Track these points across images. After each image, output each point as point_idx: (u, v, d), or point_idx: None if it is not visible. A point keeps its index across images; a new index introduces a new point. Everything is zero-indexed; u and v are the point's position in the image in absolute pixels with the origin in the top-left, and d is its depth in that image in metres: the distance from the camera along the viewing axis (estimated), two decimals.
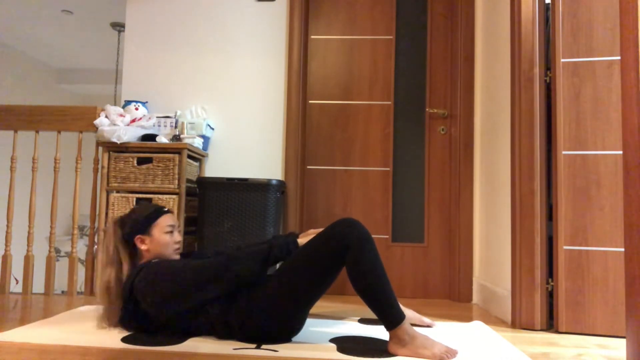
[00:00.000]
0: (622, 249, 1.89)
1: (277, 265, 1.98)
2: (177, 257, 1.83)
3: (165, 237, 1.77)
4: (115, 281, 1.70)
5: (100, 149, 2.61)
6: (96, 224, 2.59)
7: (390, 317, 1.51)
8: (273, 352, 1.52)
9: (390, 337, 1.53)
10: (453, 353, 1.51)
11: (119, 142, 2.46)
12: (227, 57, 2.91)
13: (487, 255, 2.55)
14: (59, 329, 1.76)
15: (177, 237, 1.82)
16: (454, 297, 2.74)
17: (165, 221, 1.79)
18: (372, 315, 2.22)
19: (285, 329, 1.63)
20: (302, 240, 1.66)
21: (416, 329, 1.62)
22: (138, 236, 1.76)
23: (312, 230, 1.75)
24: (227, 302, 1.62)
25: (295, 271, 1.59)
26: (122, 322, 1.70)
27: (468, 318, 2.22)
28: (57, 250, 5.54)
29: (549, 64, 2.08)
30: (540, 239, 2.02)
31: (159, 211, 1.81)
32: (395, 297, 1.54)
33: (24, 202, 3.28)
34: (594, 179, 1.94)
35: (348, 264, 1.54)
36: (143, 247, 1.76)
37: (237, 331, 1.61)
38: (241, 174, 2.82)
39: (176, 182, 2.46)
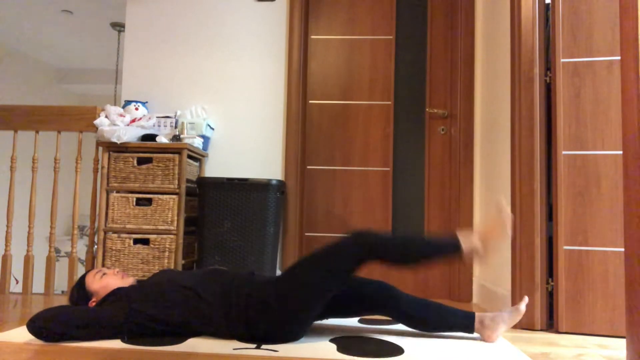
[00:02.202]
0: (622, 249, 1.89)
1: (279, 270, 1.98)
2: (130, 279, 1.85)
3: (102, 282, 1.79)
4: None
5: (100, 149, 2.61)
6: (96, 224, 2.59)
7: (461, 327, 1.73)
8: (273, 352, 1.52)
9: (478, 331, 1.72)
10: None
11: (119, 142, 2.46)
12: (227, 57, 2.91)
13: None
14: None
15: (111, 270, 1.85)
16: (454, 297, 2.74)
17: (91, 276, 1.81)
18: (372, 315, 2.21)
19: (293, 332, 1.64)
20: None
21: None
22: (89, 302, 1.78)
23: None
24: (227, 307, 1.63)
25: (307, 278, 1.61)
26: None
27: None
28: (57, 250, 5.54)
29: (549, 64, 2.08)
30: (540, 239, 2.02)
31: (81, 278, 1.84)
32: (445, 307, 1.73)
33: (24, 202, 3.28)
34: (594, 179, 1.94)
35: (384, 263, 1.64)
36: (98, 300, 1.78)
37: (243, 333, 1.62)
38: (241, 174, 2.82)
39: (176, 182, 2.46)
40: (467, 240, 1.62)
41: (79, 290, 1.79)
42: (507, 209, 1.63)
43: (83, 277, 1.83)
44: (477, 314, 1.73)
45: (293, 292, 1.60)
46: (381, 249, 1.61)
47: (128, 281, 1.83)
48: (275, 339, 1.62)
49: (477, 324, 1.71)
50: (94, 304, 1.75)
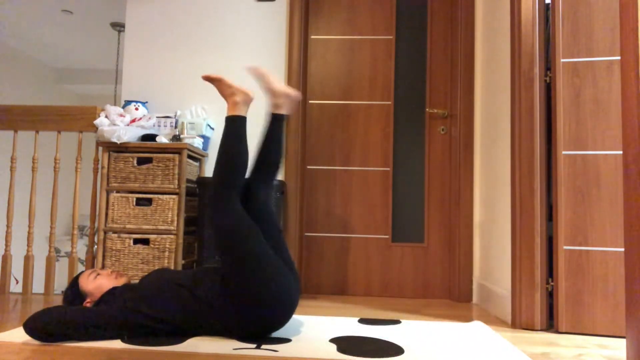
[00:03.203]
0: (622, 249, 1.89)
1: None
2: (123, 279, 1.86)
3: (96, 282, 1.80)
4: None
5: (100, 149, 2.61)
6: (96, 224, 2.59)
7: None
8: (273, 352, 1.52)
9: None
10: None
11: (119, 142, 2.46)
12: (227, 57, 2.91)
13: (487, 255, 2.55)
14: None
15: (104, 271, 1.85)
16: (454, 297, 2.74)
17: (84, 277, 1.82)
18: (372, 315, 2.22)
19: (273, 305, 1.63)
20: None
21: None
22: (84, 303, 1.79)
23: None
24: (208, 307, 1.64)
25: (230, 253, 1.65)
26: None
27: (468, 318, 2.23)
28: (57, 250, 5.54)
29: (549, 64, 2.08)
30: (540, 239, 2.02)
31: (75, 278, 1.84)
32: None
33: (24, 202, 3.28)
34: (594, 179, 1.94)
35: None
36: (93, 300, 1.79)
37: (236, 326, 1.63)
38: None
39: (176, 182, 2.46)
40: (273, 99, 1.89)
41: (74, 292, 1.79)
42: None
43: (76, 279, 1.83)
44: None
45: (231, 256, 1.65)
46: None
47: (122, 281, 1.84)
48: (272, 323, 1.63)
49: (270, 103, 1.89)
50: (89, 304, 1.76)
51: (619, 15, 1.20)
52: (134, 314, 1.62)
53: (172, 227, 2.43)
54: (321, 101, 2.94)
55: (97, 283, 1.79)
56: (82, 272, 1.87)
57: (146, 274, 1.89)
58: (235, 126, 1.80)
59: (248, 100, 1.84)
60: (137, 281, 1.86)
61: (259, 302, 1.59)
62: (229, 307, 1.61)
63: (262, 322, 1.63)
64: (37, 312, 1.60)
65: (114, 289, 1.75)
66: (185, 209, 2.50)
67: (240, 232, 1.66)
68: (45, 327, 1.55)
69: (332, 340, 1.69)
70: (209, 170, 2.85)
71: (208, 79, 1.83)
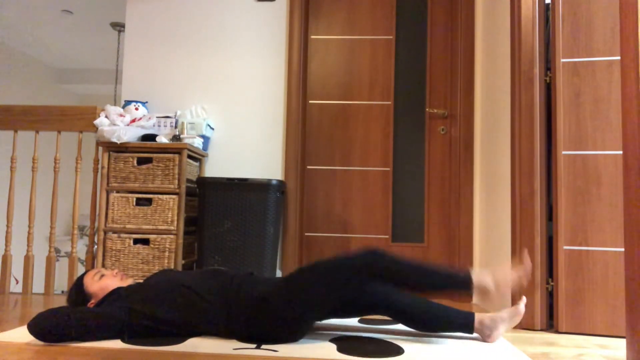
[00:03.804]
0: (622, 249, 1.89)
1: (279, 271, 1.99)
2: (129, 280, 1.85)
3: (100, 283, 1.78)
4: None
5: (100, 149, 2.61)
6: (96, 224, 2.59)
7: (460, 327, 1.70)
8: (273, 352, 1.52)
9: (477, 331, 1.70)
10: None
11: (119, 142, 2.46)
12: (227, 57, 2.91)
13: (487, 255, 2.55)
14: None
15: (109, 271, 1.84)
16: (454, 297, 2.74)
17: (89, 277, 1.80)
18: (372, 315, 2.21)
19: (293, 334, 1.64)
20: None
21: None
22: (88, 304, 1.77)
23: None
24: (228, 310, 1.63)
25: (314, 285, 1.62)
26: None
27: None
28: (57, 250, 5.54)
29: (549, 64, 2.08)
30: (540, 239, 2.02)
31: (79, 278, 1.82)
32: (444, 307, 1.68)
33: (24, 202, 3.28)
34: (594, 179, 1.94)
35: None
36: (97, 301, 1.77)
37: (242, 332, 1.62)
38: (241, 174, 2.82)
39: (176, 182, 2.46)
40: (480, 279, 1.66)
41: (78, 292, 1.78)
42: (528, 261, 1.69)
43: (81, 279, 1.82)
44: (476, 315, 1.72)
45: (298, 297, 1.60)
46: (393, 268, 1.65)
47: (127, 282, 1.83)
48: (275, 340, 1.62)
49: (476, 324, 1.70)
50: (92, 305, 1.75)
51: (619, 15, 1.20)
52: (139, 315, 1.62)
53: (172, 227, 2.43)
54: (321, 101, 2.94)
55: (102, 284, 1.78)
56: (87, 272, 1.86)
57: (149, 275, 1.87)
58: (457, 284, 1.69)
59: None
60: (140, 282, 1.85)
61: (288, 329, 1.62)
62: (250, 320, 1.61)
63: (285, 337, 1.64)
64: (42, 312, 1.60)
65: (118, 289, 1.74)
66: (185, 209, 2.50)
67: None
68: (50, 328, 1.55)
69: (332, 340, 1.68)
70: (209, 170, 2.85)
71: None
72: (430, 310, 1.71)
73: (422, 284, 1.67)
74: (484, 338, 1.71)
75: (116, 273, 1.84)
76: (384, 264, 1.66)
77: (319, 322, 1.93)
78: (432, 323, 1.71)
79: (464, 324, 1.71)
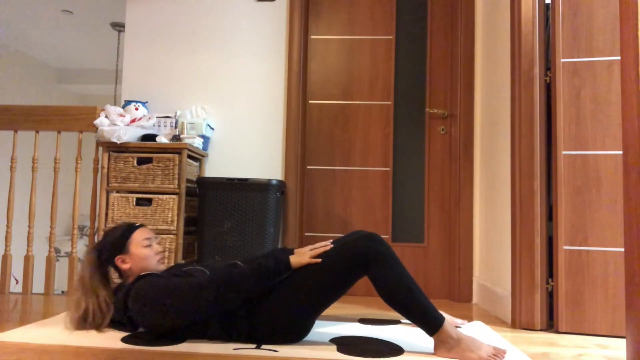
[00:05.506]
0: (622, 249, 1.89)
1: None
2: (163, 266, 1.81)
3: (144, 251, 1.75)
4: (95, 310, 1.68)
5: (100, 149, 2.61)
6: (96, 224, 2.59)
7: (428, 324, 1.50)
8: (273, 352, 1.52)
9: (435, 343, 1.51)
10: (501, 353, 1.48)
11: (119, 142, 2.46)
12: (227, 57, 2.91)
13: (487, 255, 2.55)
14: (58, 329, 1.76)
15: (157, 247, 1.81)
16: (454, 297, 2.74)
17: (140, 235, 1.78)
18: (372, 315, 2.22)
19: (294, 333, 1.63)
20: (295, 260, 1.60)
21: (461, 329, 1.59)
22: (118, 257, 1.74)
23: (308, 248, 1.66)
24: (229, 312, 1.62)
25: (313, 278, 1.58)
26: (116, 327, 1.72)
27: (468, 318, 2.22)
28: (57, 250, 5.54)
29: (549, 64, 2.08)
30: (540, 239, 2.02)
31: (132, 227, 1.80)
32: (428, 301, 1.52)
33: (24, 202, 3.28)
34: (594, 179, 1.94)
35: (373, 279, 1.54)
36: (125, 266, 1.75)
37: (243, 334, 1.61)
38: (241, 174, 2.82)
39: (176, 182, 2.46)
40: (449, 329, 1.50)
41: (117, 237, 1.72)
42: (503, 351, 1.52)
43: (131, 231, 1.76)
44: (446, 325, 1.51)
45: (298, 297, 1.58)
46: (387, 261, 1.54)
47: (161, 268, 1.79)
48: (276, 341, 1.62)
49: (438, 334, 1.51)
50: (120, 262, 1.72)
51: (619, 15, 1.20)
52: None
53: (172, 227, 2.43)
54: (321, 101, 2.94)
55: (145, 253, 1.74)
56: (140, 226, 1.81)
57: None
58: (429, 317, 1.51)
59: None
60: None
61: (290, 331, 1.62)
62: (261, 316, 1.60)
63: (286, 337, 1.63)
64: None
65: (150, 274, 1.68)
66: (185, 209, 2.50)
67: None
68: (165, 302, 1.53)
69: (332, 340, 1.68)
70: (209, 170, 2.85)
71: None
72: (414, 301, 1.54)
73: (404, 294, 1.52)
74: (435, 350, 1.53)
75: (160, 252, 1.80)
76: (383, 250, 1.56)
77: (318, 321, 1.93)
78: (405, 302, 1.53)
79: (430, 323, 1.52)
